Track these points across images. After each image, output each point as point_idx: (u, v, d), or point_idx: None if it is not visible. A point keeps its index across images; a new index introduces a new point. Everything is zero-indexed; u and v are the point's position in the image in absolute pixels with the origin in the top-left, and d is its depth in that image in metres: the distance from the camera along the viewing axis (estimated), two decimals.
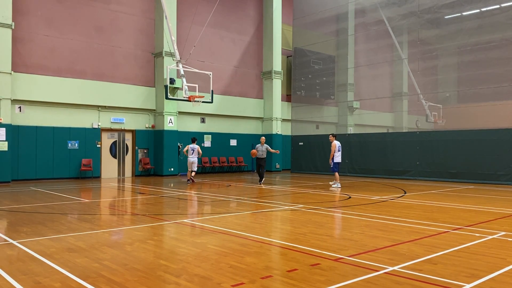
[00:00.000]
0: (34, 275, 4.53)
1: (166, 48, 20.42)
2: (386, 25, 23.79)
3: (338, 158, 15.05)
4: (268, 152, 16.40)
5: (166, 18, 18.81)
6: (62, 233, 6.79)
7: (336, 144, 15.03)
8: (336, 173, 15.08)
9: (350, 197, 12.00)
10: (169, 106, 20.86)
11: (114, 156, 20.32)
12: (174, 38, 18.70)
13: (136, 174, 20.87)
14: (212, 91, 19.71)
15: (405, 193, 13.30)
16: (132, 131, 20.76)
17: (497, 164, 16.62)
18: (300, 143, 24.30)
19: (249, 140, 24.85)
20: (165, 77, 19.84)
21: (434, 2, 21.28)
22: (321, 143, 22.15)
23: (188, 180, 16.86)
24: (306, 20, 25.43)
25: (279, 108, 25.48)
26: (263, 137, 17.11)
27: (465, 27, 21.43)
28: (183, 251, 5.59)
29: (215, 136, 23.63)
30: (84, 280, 4.35)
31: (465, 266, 4.88)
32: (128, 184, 16.82)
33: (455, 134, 18.24)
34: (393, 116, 28.47)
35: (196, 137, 17.72)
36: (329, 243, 6.08)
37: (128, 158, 20.76)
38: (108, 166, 20.04)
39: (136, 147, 20.87)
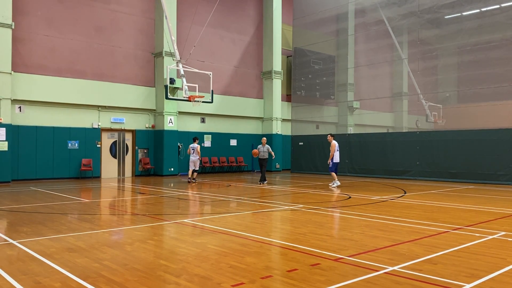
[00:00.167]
0: (34, 275, 4.53)
1: (166, 48, 20.43)
2: (386, 25, 23.79)
3: (336, 158, 15.12)
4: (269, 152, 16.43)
5: (166, 18, 18.81)
6: (62, 233, 6.79)
7: (335, 144, 15.10)
8: (333, 173, 15.14)
9: (350, 197, 12.00)
10: (169, 106, 20.86)
11: (114, 156, 20.32)
12: (174, 38, 18.70)
13: (136, 174, 20.87)
14: (212, 91, 19.71)
15: (405, 193, 13.30)
16: (132, 131, 20.76)
17: (497, 164, 16.62)
18: (300, 143, 24.30)
19: (249, 140, 24.85)
20: (165, 77, 19.84)
21: (434, 2, 21.27)
22: (321, 143, 22.14)
23: (189, 179, 17.06)
24: (306, 20, 25.43)
25: (279, 108, 25.48)
26: (264, 138, 17.12)
27: (465, 27, 21.43)
28: (183, 251, 5.59)
29: (215, 136, 23.63)
30: (84, 280, 4.35)
31: (465, 266, 4.88)
32: (128, 184, 16.82)
33: (455, 134, 18.24)
34: (393, 116, 28.47)
35: (197, 137, 17.76)
36: (329, 243, 6.08)
37: (128, 158, 20.76)
38: (108, 166, 20.05)
39: (136, 147, 20.87)
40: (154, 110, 21.29)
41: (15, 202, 10.87)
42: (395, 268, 4.77)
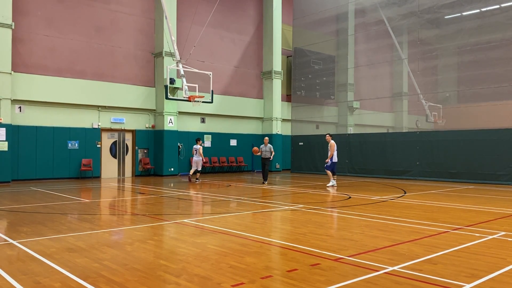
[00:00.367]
0: (34, 275, 4.53)
1: (166, 48, 20.43)
2: (386, 25, 23.79)
3: (335, 157, 15.23)
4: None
5: (166, 18, 18.82)
6: (62, 233, 6.79)
7: (334, 144, 15.23)
8: (329, 172, 15.21)
9: (350, 197, 12.00)
10: (169, 106, 20.86)
11: (114, 156, 20.32)
12: (174, 38, 18.70)
13: (136, 174, 20.87)
14: (212, 91, 19.71)
15: (405, 193, 13.30)
16: (132, 131, 20.76)
17: (497, 164, 16.62)
18: (300, 143, 24.30)
19: (249, 140, 24.84)
20: (165, 77, 19.85)
21: (434, 2, 21.28)
22: (321, 143, 22.11)
23: (189, 178, 17.32)
24: (306, 20, 25.43)
25: (279, 108, 25.48)
26: (267, 137, 17.13)
27: (465, 27, 21.43)
28: (183, 251, 5.59)
29: (215, 136, 23.63)
30: (84, 280, 4.35)
31: (465, 266, 4.88)
32: (128, 184, 16.82)
33: (455, 134, 18.24)
34: (393, 116, 28.47)
35: (200, 138, 17.98)
36: (329, 243, 6.08)
37: (128, 158, 20.76)
38: (108, 166, 20.05)
39: (136, 147, 20.87)
40: (154, 110, 21.29)
41: (15, 202, 10.87)
42: (395, 268, 4.77)
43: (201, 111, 22.04)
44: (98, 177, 19.39)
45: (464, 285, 4.18)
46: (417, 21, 22.15)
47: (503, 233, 6.82)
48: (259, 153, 16.55)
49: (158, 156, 21.12)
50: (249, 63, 25.10)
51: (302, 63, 25.96)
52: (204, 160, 17.89)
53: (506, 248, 5.82)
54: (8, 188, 14.63)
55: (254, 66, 25.38)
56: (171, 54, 20.13)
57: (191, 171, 17.59)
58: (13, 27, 16.63)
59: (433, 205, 10.40)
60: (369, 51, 25.90)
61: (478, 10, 20.90)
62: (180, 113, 21.75)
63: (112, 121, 19.88)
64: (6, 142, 16.36)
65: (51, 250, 5.64)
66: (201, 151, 17.17)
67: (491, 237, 6.51)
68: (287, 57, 26.87)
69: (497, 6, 20.12)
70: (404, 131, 25.66)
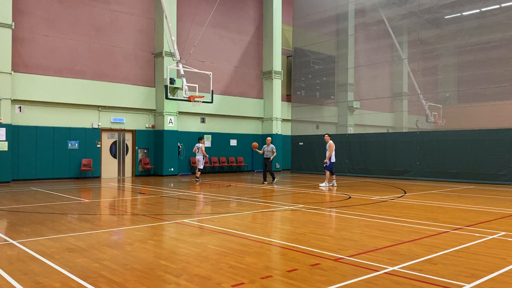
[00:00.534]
0: (34, 275, 4.53)
1: (166, 48, 20.43)
2: (386, 25, 23.79)
3: (333, 157, 15.28)
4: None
5: (166, 18, 18.82)
6: (62, 233, 6.79)
7: (333, 144, 15.28)
8: (328, 172, 15.24)
9: (350, 197, 12.00)
10: (169, 106, 20.87)
11: (114, 156, 20.32)
12: (174, 38, 18.71)
13: (136, 174, 20.88)
14: (212, 91, 19.72)
15: (405, 193, 13.30)
16: (132, 131, 20.76)
17: (497, 164, 16.62)
18: (300, 143, 24.30)
19: (249, 140, 24.82)
20: (165, 77, 19.85)
21: (434, 2, 21.28)
22: (321, 143, 22.06)
23: (196, 178, 17.62)
24: (306, 20, 25.44)
25: (279, 108, 25.48)
26: (269, 138, 17.15)
27: (465, 27, 21.43)
28: (183, 251, 5.59)
29: (215, 136, 23.63)
30: (84, 280, 4.35)
31: (465, 266, 4.88)
32: (128, 184, 16.82)
33: (455, 134, 18.24)
34: (393, 116, 28.47)
35: (202, 137, 18.09)
36: (329, 243, 6.08)
37: (128, 158, 20.76)
38: (108, 166, 20.05)
39: (136, 147, 20.87)
40: (154, 110, 21.29)
41: (15, 202, 10.86)
42: (395, 268, 4.77)
43: (201, 111, 22.04)
44: (98, 177, 19.40)
45: (464, 285, 4.18)
46: (417, 21, 22.15)
47: (503, 233, 6.82)
48: (260, 152, 16.61)
49: (158, 156, 21.12)
50: (249, 63, 25.10)
51: (302, 63, 25.96)
52: (206, 157, 18.02)
53: (506, 248, 5.82)
54: (8, 188, 14.63)
55: (254, 66, 25.38)
56: (171, 54, 20.14)
57: (199, 173, 17.74)
58: (13, 27, 16.63)
59: (433, 205, 10.40)
60: (369, 51, 25.91)
61: (478, 10, 20.91)
62: (180, 113, 21.76)
63: (112, 121, 19.88)
64: (6, 142, 16.36)
65: (51, 250, 5.64)
66: (203, 149, 17.33)
67: (491, 237, 6.51)
68: (287, 57, 26.87)
69: (497, 6, 20.12)
70: (404, 131, 25.65)
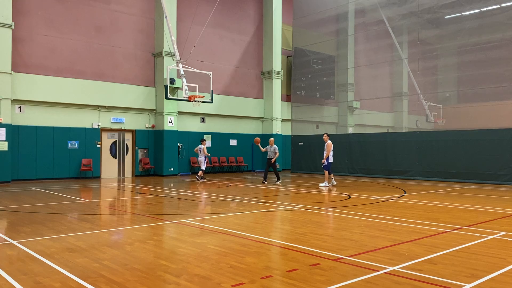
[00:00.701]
0: (34, 275, 4.53)
1: (166, 48, 20.43)
2: (386, 25, 23.80)
3: (330, 157, 15.30)
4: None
5: (166, 18, 18.82)
6: (62, 233, 6.79)
7: (331, 144, 15.31)
8: (327, 173, 15.26)
9: (350, 197, 12.00)
10: (169, 106, 20.87)
11: (114, 156, 20.32)
12: (174, 38, 18.71)
13: (136, 174, 20.88)
14: (212, 91, 19.72)
15: (405, 193, 13.30)
16: (132, 131, 20.76)
17: (497, 164, 16.62)
18: (300, 143, 24.30)
19: (249, 140, 24.85)
20: (165, 77, 19.85)
21: (434, 2, 21.28)
22: (321, 143, 22.00)
23: (202, 178, 17.79)
24: (306, 20, 25.44)
25: (279, 108, 25.48)
26: (272, 138, 17.17)
27: (465, 27, 21.44)
28: (183, 251, 5.59)
29: (215, 136, 23.63)
30: (84, 280, 4.35)
31: (465, 266, 4.88)
32: (128, 184, 16.82)
33: (455, 134, 18.24)
34: (393, 116, 28.48)
35: (204, 139, 18.40)
36: (329, 243, 6.08)
37: (128, 158, 20.76)
38: (108, 166, 20.05)
39: (136, 147, 20.87)
40: (154, 110, 21.29)
41: (15, 202, 10.87)
42: (395, 268, 4.77)
43: (201, 111, 22.04)
44: (98, 177, 19.40)
45: (464, 285, 4.18)
46: (417, 21, 22.16)
47: (503, 233, 6.82)
48: (263, 150, 16.68)
49: (158, 156, 21.12)
50: (249, 63, 25.10)
51: (302, 63, 25.96)
52: (208, 156, 18.12)
53: (506, 248, 5.82)
54: (8, 188, 14.63)
55: (254, 66, 25.39)
56: (171, 54, 20.14)
57: (202, 173, 17.88)
58: (13, 27, 16.63)
59: (433, 205, 10.40)
60: (369, 51, 25.91)
61: (478, 10, 20.91)
62: (180, 113, 21.76)
63: (112, 121, 19.88)
64: (6, 142, 16.36)
65: (51, 250, 5.64)
66: (205, 150, 17.62)
67: (491, 237, 6.51)
68: (287, 57, 26.87)
69: (497, 6, 20.12)
70: (404, 131, 25.66)
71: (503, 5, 20.08)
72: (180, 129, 21.75)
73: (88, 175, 19.03)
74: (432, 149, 18.64)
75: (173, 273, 4.62)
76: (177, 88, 20.02)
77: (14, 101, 17.06)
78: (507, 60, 19.68)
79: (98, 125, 19.44)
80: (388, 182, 17.46)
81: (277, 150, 16.49)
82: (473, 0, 20.71)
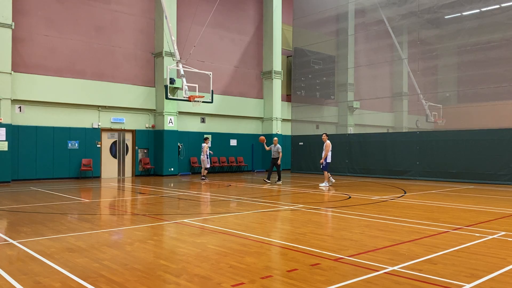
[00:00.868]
0: (34, 275, 4.53)
1: (166, 48, 20.43)
2: (386, 25, 23.80)
3: (329, 157, 15.33)
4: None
5: (166, 18, 18.82)
6: (62, 233, 6.79)
7: (330, 144, 15.35)
8: (326, 173, 15.29)
9: (350, 197, 12.01)
10: (169, 106, 20.87)
11: (114, 156, 20.32)
12: (174, 38, 18.71)
13: (136, 174, 20.88)
14: (212, 91, 19.72)
15: (405, 193, 13.30)
16: (132, 131, 20.76)
17: (497, 164, 16.62)
18: (300, 143, 24.30)
19: (249, 140, 24.86)
20: (165, 77, 19.85)
21: (434, 2, 21.28)
22: (321, 143, 22.09)
23: (203, 177, 18.05)
24: (306, 20, 25.44)
25: (279, 108, 25.48)
26: (276, 138, 17.18)
27: (465, 27, 21.44)
28: (183, 251, 5.59)
29: (215, 136, 23.63)
30: (84, 280, 4.35)
31: (465, 266, 4.88)
32: (128, 184, 16.82)
33: (455, 134, 18.24)
34: (393, 116, 28.48)
35: (207, 137, 18.71)
36: (329, 243, 6.08)
37: (128, 158, 20.76)
38: (108, 166, 20.05)
39: (136, 147, 20.87)
40: (154, 110, 21.29)
41: (15, 202, 10.87)
42: (395, 268, 4.77)
43: (201, 111, 22.04)
44: (98, 177, 19.39)
45: (464, 285, 4.18)
46: (417, 21, 22.16)
47: (503, 233, 6.82)
48: (267, 148, 16.72)
49: (158, 156, 21.12)
50: (249, 63, 25.10)
51: (302, 63, 25.96)
52: (206, 154, 18.19)
53: (506, 248, 5.82)
54: (8, 188, 14.63)
55: (254, 66, 25.39)
56: (171, 54, 20.14)
57: (205, 172, 18.15)
58: (13, 27, 16.63)
59: (433, 205, 10.40)
60: (369, 51, 25.91)
61: (478, 10, 20.91)
62: (180, 113, 21.76)
63: (112, 121, 19.88)
64: (6, 142, 16.36)
65: (51, 250, 5.64)
66: (206, 148, 17.82)
67: (491, 237, 6.51)
68: (287, 57, 26.87)
69: (497, 6, 20.13)
70: (404, 131, 25.66)
71: (503, 5, 20.08)
72: (180, 129, 21.75)
73: (88, 175, 19.03)
74: (432, 149, 18.64)
75: (173, 273, 4.62)
76: (177, 88, 20.02)
77: (14, 101, 17.06)
78: (507, 60, 19.68)
79: (98, 125, 19.44)
80: (388, 182, 17.46)
81: (280, 150, 16.52)
82: (473, 0, 20.71)
